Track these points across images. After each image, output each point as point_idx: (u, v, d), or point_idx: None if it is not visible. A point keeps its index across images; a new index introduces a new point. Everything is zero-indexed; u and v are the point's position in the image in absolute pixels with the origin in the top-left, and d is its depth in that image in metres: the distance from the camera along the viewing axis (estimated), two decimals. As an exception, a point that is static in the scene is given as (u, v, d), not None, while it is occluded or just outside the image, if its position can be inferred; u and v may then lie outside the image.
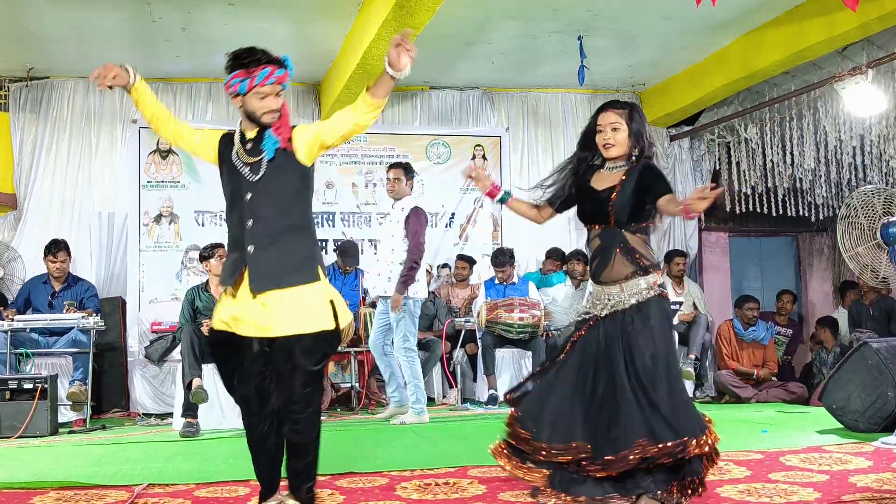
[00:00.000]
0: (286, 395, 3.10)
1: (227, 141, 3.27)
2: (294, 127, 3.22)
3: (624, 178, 3.41)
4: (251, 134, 3.20)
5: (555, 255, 8.69)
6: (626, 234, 3.37)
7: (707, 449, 3.14)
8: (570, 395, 3.31)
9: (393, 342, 6.50)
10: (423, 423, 6.31)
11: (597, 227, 3.46)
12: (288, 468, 3.25)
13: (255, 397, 3.16)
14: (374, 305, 7.43)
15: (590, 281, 3.51)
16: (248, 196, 3.15)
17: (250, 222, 3.14)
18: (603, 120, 3.47)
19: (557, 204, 3.64)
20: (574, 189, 3.56)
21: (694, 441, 3.10)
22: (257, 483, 3.97)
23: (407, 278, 6.28)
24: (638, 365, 3.22)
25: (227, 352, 3.20)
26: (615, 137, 3.43)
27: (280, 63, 3.13)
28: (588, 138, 3.55)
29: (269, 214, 3.14)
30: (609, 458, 3.12)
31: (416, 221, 6.36)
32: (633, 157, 3.46)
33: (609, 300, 3.36)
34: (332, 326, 3.12)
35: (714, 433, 3.20)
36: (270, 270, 3.11)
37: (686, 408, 3.23)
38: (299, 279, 3.13)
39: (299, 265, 3.14)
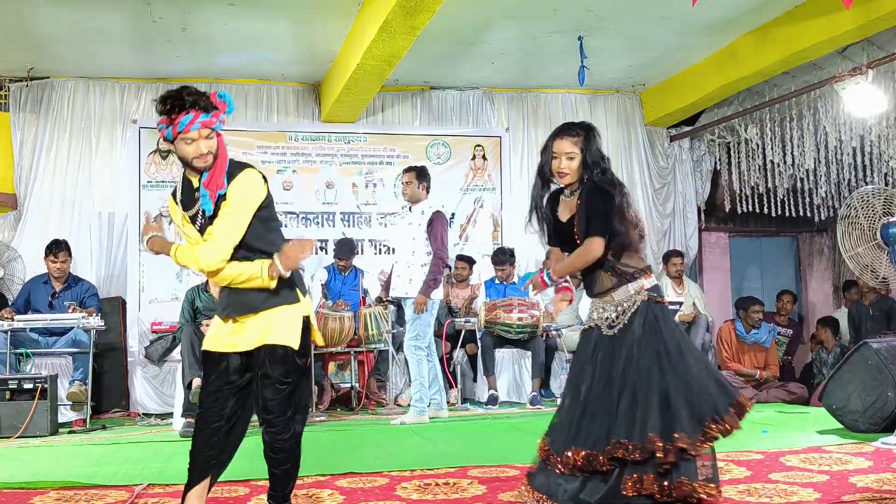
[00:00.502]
0: (262, 403, 3.17)
1: (174, 196, 3.24)
2: (237, 173, 3.11)
3: (578, 202, 3.42)
4: (195, 182, 3.15)
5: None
6: (605, 254, 3.37)
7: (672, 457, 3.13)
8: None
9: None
10: (422, 423, 6.32)
11: (566, 251, 3.55)
12: (269, 475, 3.27)
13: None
14: (380, 303, 7.44)
15: (584, 293, 3.57)
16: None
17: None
18: (558, 148, 3.42)
19: (556, 242, 3.64)
20: (548, 221, 3.58)
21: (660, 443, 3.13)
22: (257, 483, 3.98)
23: (433, 281, 6.38)
24: (631, 371, 3.27)
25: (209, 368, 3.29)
26: (570, 166, 3.40)
27: (206, 107, 3.03)
28: (545, 168, 3.50)
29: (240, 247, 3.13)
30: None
31: (439, 225, 6.47)
32: (585, 180, 3.43)
33: (604, 310, 3.41)
34: (296, 345, 3.15)
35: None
36: (246, 301, 3.16)
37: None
38: (276, 303, 3.16)
39: (275, 291, 3.14)
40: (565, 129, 3.45)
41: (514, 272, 8.20)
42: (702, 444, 3.15)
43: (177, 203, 3.20)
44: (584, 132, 3.42)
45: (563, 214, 3.49)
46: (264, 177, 3.18)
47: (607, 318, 3.38)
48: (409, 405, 7.65)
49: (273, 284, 3.08)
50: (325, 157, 8.75)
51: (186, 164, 3.10)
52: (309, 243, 3.17)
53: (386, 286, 7.32)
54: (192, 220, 3.16)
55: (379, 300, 7.64)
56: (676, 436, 3.11)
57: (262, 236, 3.13)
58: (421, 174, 6.68)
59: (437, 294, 6.58)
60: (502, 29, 7.59)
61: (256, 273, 3.07)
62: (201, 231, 3.14)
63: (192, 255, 3.09)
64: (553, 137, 3.46)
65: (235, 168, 3.13)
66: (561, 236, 3.52)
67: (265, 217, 3.14)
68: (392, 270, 6.89)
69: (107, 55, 8.04)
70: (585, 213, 3.35)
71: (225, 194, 3.06)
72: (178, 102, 2.99)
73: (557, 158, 3.42)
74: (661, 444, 3.10)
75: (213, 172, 3.07)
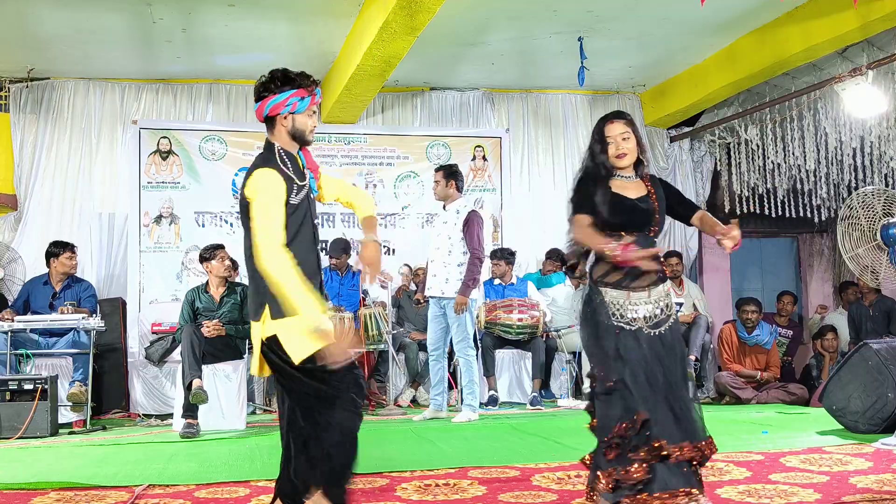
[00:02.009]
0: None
1: (285, 171, 3.08)
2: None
3: (650, 187, 3.48)
4: (297, 156, 3.17)
5: (555, 256, 8.68)
6: (655, 242, 3.45)
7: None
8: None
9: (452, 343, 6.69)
10: (473, 420, 6.45)
11: (629, 234, 3.38)
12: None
13: None
14: (418, 305, 7.44)
15: (608, 287, 3.37)
16: (316, 220, 3.21)
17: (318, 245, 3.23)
18: (611, 131, 3.47)
19: (601, 219, 3.51)
20: (605, 197, 3.45)
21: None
22: (257, 483, 3.98)
23: (472, 281, 6.46)
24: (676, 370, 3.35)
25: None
26: (626, 146, 3.45)
27: None
28: (595, 151, 3.51)
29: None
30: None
31: (475, 224, 6.57)
32: (643, 166, 3.54)
33: (637, 305, 3.34)
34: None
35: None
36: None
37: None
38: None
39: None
40: (613, 115, 3.54)
41: (513, 273, 8.19)
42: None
43: (291, 178, 3.05)
44: (626, 115, 3.56)
45: (632, 193, 3.46)
46: None
47: (645, 317, 3.33)
48: (408, 406, 7.67)
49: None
50: (325, 157, 8.74)
51: (300, 137, 3.14)
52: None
53: (421, 286, 7.40)
54: (304, 199, 3.08)
55: (402, 300, 7.67)
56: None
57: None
58: (450, 173, 6.74)
59: (477, 294, 6.70)
60: (502, 30, 7.59)
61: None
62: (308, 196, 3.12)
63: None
64: (602, 125, 3.50)
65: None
66: (631, 215, 3.42)
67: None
68: (427, 269, 6.90)
69: (107, 56, 8.05)
70: (675, 195, 3.56)
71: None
72: (307, 78, 3.16)
73: (613, 143, 3.46)
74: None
75: (308, 153, 3.18)
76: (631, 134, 3.47)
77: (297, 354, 2.90)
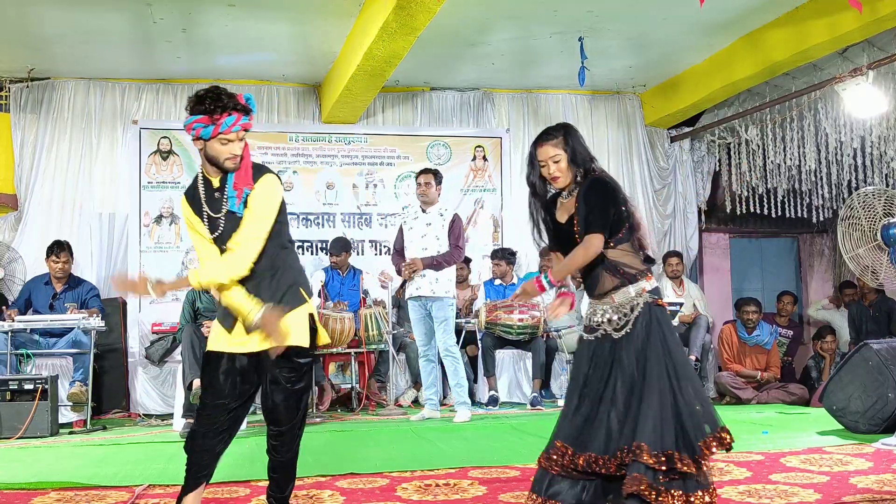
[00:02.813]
0: (272, 408, 3.20)
1: (193, 194, 3.20)
2: (259, 177, 3.13)
3: (576, 203, 3.38)
4: (216, 182, 3.15)
5: (549, 253, 8.68)
6: (606, 252, 3.34)
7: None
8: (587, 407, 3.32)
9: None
10: (466, 421, 6.49)
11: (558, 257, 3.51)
12: (270, 477, 3.30)
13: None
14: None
15: (584, 295, 3.51)
16: (223, 247, 3.15)
17: None
18: (541, 155, 3.41)
19: (553, 243, 3.60)
20: (547, 225, 3.53)
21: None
22: (257, 483, 3.99)
23: (445, 263, 6.63)
24: (626, 377, 3.24)
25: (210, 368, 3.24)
26: (559, 168, 3.38)
27: (245, 110, 3.08)
28: (535, 177, 3.48)
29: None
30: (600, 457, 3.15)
31: (460, 227, 6.79)
32: (579, 179, 3.41)
33: (605, 313, 3.36)
34: (306, 343, 3.16)
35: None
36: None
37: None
38: (289, 305, 3.15)
39: (282, 297, 3.14)
40: (542, 136, 3.45)
41: (513, 273, 8.19)
42: (705, 459, 3.13)
43: (192, 204, 3.18)
44: (561, 131, 3.42)
45: (562, 216, 3.46)
46: (280, 180, 3.20)
47: (609, 321, 3.34)
48: (409, 406, 7.67)
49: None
50: (325, 157, 8.76)
51: (215, 163, 3.10)
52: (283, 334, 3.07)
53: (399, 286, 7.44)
54: (212, 221, 3.13)
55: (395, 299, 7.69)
56: (680, 455, 3.07)
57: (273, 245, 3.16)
58: (439, 177, 6.88)
59: (454, 291, 6.79)
60: (502, 30, 7.59)
61: (246, 312, 3.07)
62: (220, 233, 3.12)
63: (216, 271, 3.07)
64: (534, 147, 3.45)
65: (256, 171, 3.13)
66: (561, 239, 3.47)
67: (280, 222, 3.16)
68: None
69: (107, 56, 8.04)
70: (584, 209, 3.32)
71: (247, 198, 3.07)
72: (220, 103, 3.01)
73: (545, 165, 3.41)
74: (676, 456, 3.06)
75: (239, 173, 3.09)
76: (561, 154, 3.37)
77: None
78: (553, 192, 3.52)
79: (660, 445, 3.06)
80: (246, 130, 3.08)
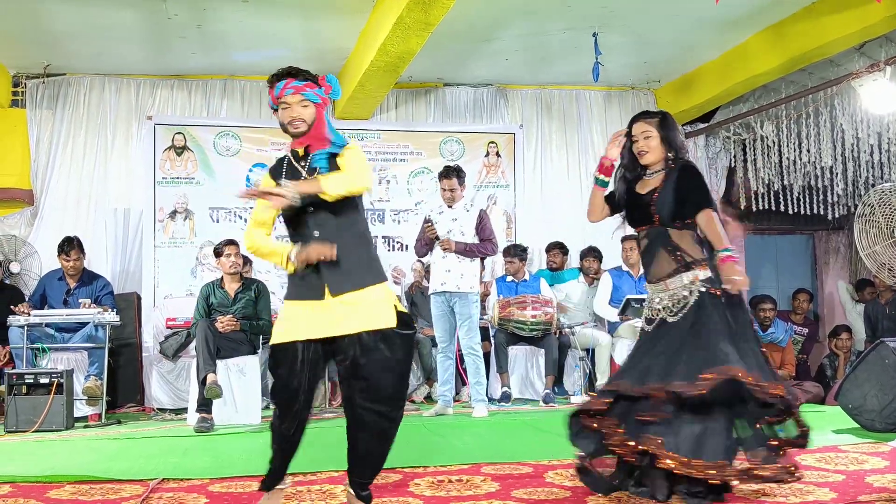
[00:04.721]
0: (379, 389, 3.16)
1: (277, 168, 3.35)
2: (345, 146, 3.28)
3: (665, 177, 3.61)
4: (301, 151, 3.31)
5: (555, 248, 8.67)
6: (671, 232, 3.54)
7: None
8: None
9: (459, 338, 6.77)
10: (485, 416, 6.48)
11: (644, 228, 3.66)
12: (359, 460, 3.27)
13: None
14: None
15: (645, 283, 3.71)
16: (312, 208, 3.19)
17: (317, 233, 3.21)
18: (635, 130, 3.69)
19: (615, 206, 3.84)
20: (624, 196, 3.75)
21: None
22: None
23: (472, 253, 6.63)
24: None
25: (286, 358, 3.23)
26: (648, 145, 3.64)
27: (297, 74, 3.28)
28: (625, 148, 3.76)
29: (332, 224, 3.20)
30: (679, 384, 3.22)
31: (489, 222, 6.80)
32: (670, 161, 3.64)
33: (661, 301, 3.53)
34: (394, 324, 3.18)
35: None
36: (345, 273, 3.18)
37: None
38: (371, 280, 3.22)
39: (366, 267, 3.24)
40: (641, 114, 3.75)
41: (526, 269, 8.18)
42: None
43: (273, 175, 3.30)
44: (659, 115, 3.71)
45: (643, 188, 3.66)
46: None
47: (664, 308, 3.50)
48: (422, 402, 7.68)
49: (291, 270, 3.21)
50: (339, 153, 8.74)
51: (285, 130, 3.27)
52: (330, 250, 3.15)
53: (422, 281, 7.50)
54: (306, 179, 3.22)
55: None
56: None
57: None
58: (461, 176, 6.81)
59: (478, 287, 6.80)
60: (516, 25, 7.57)
61: (279, 255, 3.23)
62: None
63: (341, 180, 3.12)
64: (631, 123, 3.73)
65: (342, 139, 3.31)
66: (634, 209, 3.67)
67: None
68: (436, 265, 6.88)
69: (122, 52, 8.08)
70: (686, 188, 3.53)
71: (337, 154, 3.23)
72: (276, 74, 3.28)
73: (637, 140, 3.67)
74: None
75: (315, 139, 3.24)
76: (653, 132, 3.63)
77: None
78: (640, 172, 3.72)
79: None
80: (301, 94, 3.22)
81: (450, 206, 6.78)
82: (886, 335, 6.87)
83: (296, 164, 3.29)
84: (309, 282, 3.20)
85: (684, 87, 9.16)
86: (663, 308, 3.50)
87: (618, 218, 3.86)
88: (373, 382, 3.12)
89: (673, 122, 3.70)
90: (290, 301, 3.27)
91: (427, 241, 6.78)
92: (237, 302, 6.71)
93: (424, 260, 8.50)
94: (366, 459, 3.26)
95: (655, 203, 3.55)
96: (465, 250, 6.61)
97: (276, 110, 3.29)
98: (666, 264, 3.52)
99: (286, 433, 3.23)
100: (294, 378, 3.16)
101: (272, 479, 3.32)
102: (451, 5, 5.99)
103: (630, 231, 3.91)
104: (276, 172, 3.32)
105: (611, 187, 3.85)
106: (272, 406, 3.33)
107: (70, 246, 7.29)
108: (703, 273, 3.46)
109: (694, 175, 3.58)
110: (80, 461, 4.79)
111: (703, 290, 3.42)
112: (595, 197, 3.86)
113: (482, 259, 6.90)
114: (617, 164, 3.78)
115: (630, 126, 3.72)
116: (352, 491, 3.29)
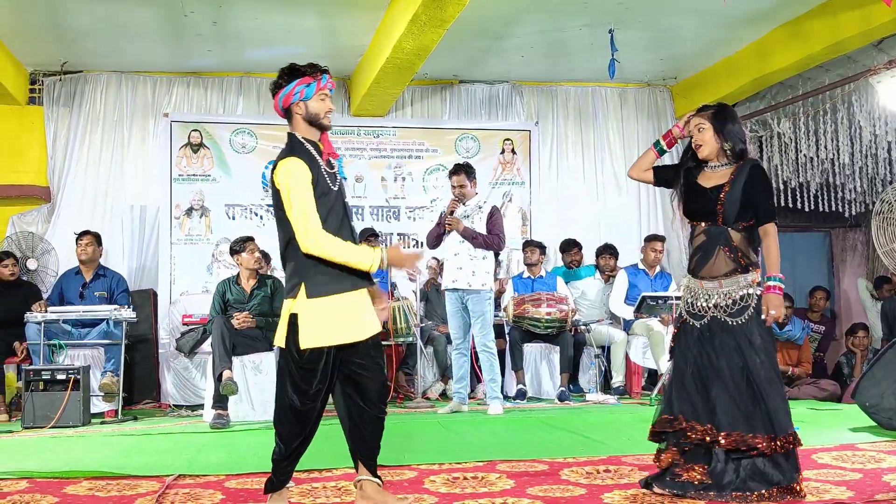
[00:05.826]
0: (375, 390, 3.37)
1: (312, 162, 3.27)
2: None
3: (732, 176, 3.59)
4: (320, 146, 3.37)
5: (574, 247, 8.65)
6: (732, 232, 3.56)
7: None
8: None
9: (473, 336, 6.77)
10: (500, 414, 6.48)
11: (703, 223, 3.64)
12: (365, 450, 3.40)
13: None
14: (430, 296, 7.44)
15: (687, 276, 3.69)
16: (346, 201, 3.37)
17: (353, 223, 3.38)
18: (693, 123, 3.72)
19: (660, 177, 3.89)
20: (682, 185, 3.74)
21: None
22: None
23: (477, 240, 6.60)
24: (750, 363, 3.45)
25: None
26: (702, 138, 3.65)
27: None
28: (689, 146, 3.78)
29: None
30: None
31: (500, 220, 6.79)
32: (728, 153, 3.63)
33: (708, 296, 3.54)
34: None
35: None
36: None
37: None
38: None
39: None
40: (699, 109, 3.75)
41: (542, 266, 8.16)
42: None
43: (311, 165, 3.24)
44: (714, 107, 3.69)
45: (707, 181, 3.66)
46: None
47: (717, 306, 3.52)
48: (437, 399, 7.68)
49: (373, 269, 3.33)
50: (354, 150, 8.77)
51: (315, 122, 3.32)
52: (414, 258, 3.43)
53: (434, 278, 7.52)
54: (330, 176, 3.29)
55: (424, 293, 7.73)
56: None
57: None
58: (470, 172, 6.82)
59: (490, 284, 6.77)
60: (532, 22, 7.55)
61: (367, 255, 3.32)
62: (338, 188, 3.31)
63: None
64: (688, 117, 3.76)
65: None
66: (697, 201, 3.65)
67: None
68: (449, 262, 6.87)
69: (138, 49, 8.12)
70: (757, 193, 3.55)
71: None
72: (316, 66, 3.36)
73: (693, 134, 3.70)
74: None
75: (327, 143, 3.35)
76: (706, 124, 3.63)
77: (306, 342, 3.16)
78: (695, 163, 3.75)
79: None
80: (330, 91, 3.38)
81: (463, 203, 6.77)
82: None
83: (319, 159, 3.29)
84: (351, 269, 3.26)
85: (700, 83, 9.12)
86: (715, 306, 3.52)
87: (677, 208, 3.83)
88: (375, 383, 3.37)
89: (728, 113, 3.67)
90: (342, 294, 3.24)
91: (438, 234, 6.79)
92: (253, 298, 6.73)
93: (439, 256, 8.50)
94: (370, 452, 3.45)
95: (723, 202, 3.55)
96: (471, 236, 6.60)
97: (302, 102, 3.29)
98: (723, 264, 3.54)
99: (299, 449, 3.31)
100: (325, 381, 3.24)
101: (279, 483, 3.34)
102: (467, 2, 5.98)
103: (657, 231, 3.96)
104: (312, 164, 3.23)
105: (663, 162, 3.92)
106: (282, 422, 3.30)
107: (85, 233, 7.36)
108: (757, 276, 3.53)
109: (764, 177, 3.60)
110: (97, 457, 4.82)
111: (759, 294, 3.49)
112: (647, 156, 3.92)
113: (496, 255, 6.87)
114: (682, 147, 3.83)
115: (688, 119, 3.76)
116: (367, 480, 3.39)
